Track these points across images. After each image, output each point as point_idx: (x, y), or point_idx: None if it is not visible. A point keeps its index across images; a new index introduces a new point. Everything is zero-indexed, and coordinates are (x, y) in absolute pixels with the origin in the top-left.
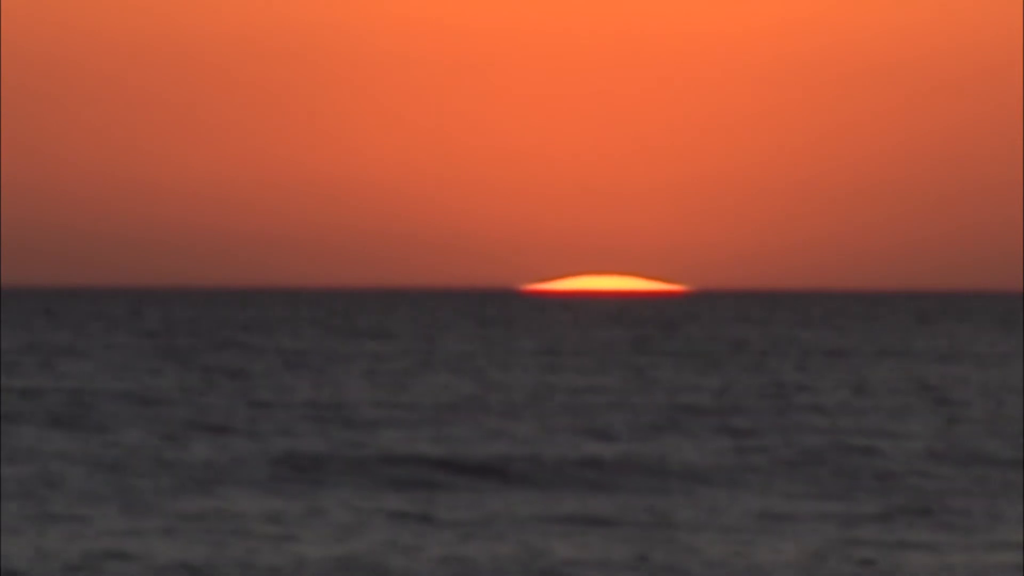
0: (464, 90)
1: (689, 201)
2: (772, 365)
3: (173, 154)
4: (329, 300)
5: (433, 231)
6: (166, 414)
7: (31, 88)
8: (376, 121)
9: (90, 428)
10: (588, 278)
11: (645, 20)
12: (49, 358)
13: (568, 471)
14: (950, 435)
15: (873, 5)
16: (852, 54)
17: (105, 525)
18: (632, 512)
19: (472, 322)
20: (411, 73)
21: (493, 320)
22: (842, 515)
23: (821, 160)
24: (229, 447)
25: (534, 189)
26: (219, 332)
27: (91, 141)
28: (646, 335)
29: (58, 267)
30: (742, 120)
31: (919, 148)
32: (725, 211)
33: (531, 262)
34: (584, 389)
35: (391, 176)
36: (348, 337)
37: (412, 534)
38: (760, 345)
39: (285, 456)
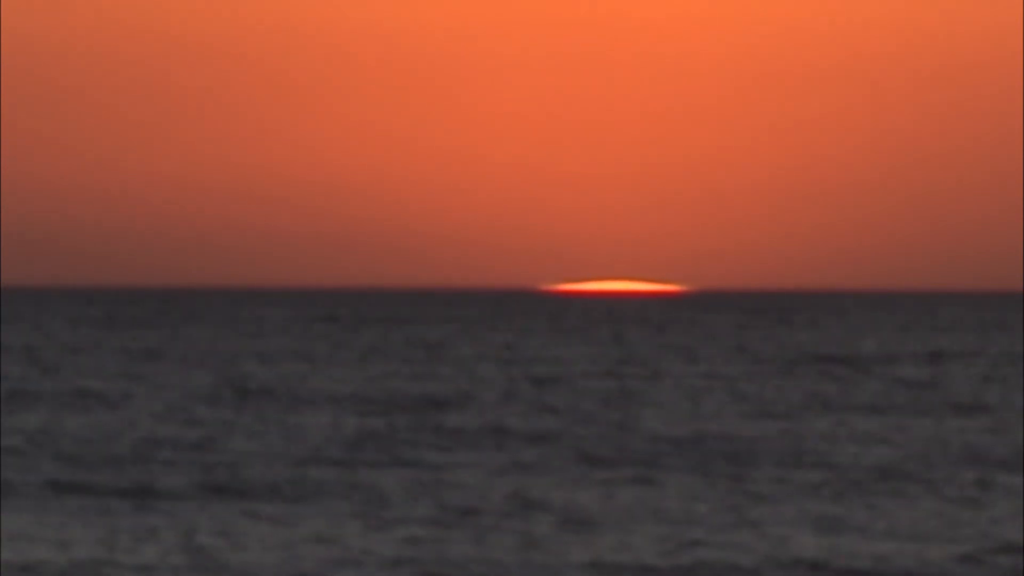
0: (445, 92)
1: (680, 198)
2: None
3: (181, 151)
4: (339, 300)
5: (446, 231)
6: None
7: (36, 83)
8: (387, 121)
9: None
10: (600, 282)
11: (646, 14)
12: None
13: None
14: None
15: None
16: (855, 44)
17: None
18: None
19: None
20: (420, 72)
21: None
22: None
23: (824, 154)
24: None
25: (540, 189)
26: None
27: (91, 137)
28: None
29: (60, 267)
30: (743, 120)
31: (918, 144)
32: (721, 209)
33: (554, 262)
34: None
35: (397, 176)
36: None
37: None
38: None
39: None
